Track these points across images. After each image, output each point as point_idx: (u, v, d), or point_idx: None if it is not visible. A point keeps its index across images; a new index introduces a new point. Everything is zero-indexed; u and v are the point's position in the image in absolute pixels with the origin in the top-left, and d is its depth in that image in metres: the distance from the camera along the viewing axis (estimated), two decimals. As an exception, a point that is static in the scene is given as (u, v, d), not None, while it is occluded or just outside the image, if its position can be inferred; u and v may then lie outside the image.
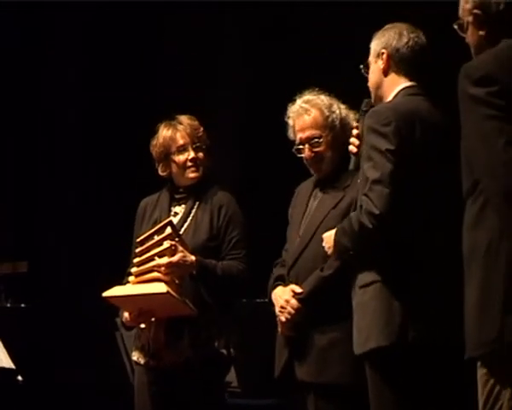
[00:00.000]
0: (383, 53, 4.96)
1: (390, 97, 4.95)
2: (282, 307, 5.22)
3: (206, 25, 12.04)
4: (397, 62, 4.95)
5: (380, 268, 4.78)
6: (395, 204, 4.63)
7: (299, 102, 5.40)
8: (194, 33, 11.09)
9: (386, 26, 5.02)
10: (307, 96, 5.40)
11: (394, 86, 4.96)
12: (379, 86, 5.01)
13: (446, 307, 4.64)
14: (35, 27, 11.26)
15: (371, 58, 5.03)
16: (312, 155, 5.35)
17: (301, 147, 5.36)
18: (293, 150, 5.41)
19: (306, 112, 5.36)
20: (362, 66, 5.06)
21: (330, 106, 5.35)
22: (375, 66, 5.00)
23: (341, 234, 4.83)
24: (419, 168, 4.75)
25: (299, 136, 5.37)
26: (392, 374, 4.73)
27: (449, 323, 4.60)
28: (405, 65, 4.95)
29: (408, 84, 4.95)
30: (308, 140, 5.35)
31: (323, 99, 5.38)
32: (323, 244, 4.95)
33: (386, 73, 4.98)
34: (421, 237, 4.75)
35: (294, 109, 5.40)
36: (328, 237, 4.90)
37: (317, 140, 5.33)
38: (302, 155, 5.38)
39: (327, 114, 5.33)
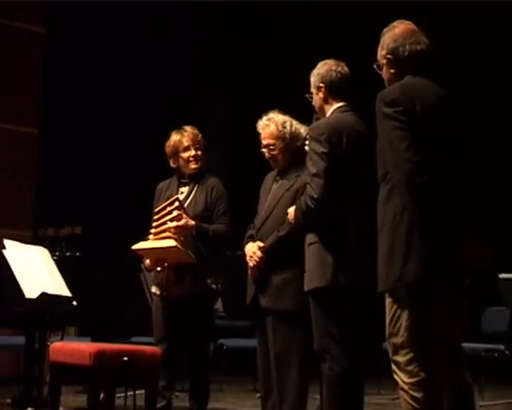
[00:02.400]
0: (322, 86, 4.94)
1: (328, 114, 4.94)
2: (250, 257, 5.21)
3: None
4: (331, 91, 4.93)
5: (318, 233, 4.79)
6: (327, 190, 4.67)
7: (264, 119, 5.39)
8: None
9: (319, 64, 4.98)
10: (269, 115, 5.38)
11: (331, 107, 4.94)
12: (321, 108, 4.99)
13: (365, 259, 4.56)
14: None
15: (313, 89, 4.99)
16: (270, 156, 5.36)
17: (263, 150, 5.35)
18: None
19: (267, 126, 5.34)
20: (307, 95, 5.03)
21: (284, 123, 5.33)
22: (317, 96, 4.97)
23: (296, 210, 4.85)
24: (346, 164, 4.75)
25: (262, 142, 5.36)
26: (327, 306, 4.74)
27: (367, 271, 4.55)
28: (336, 91, 4.93)
29: (340, 104, 4.93)
30: (267, 146, 5.34)
31: (280, 118, 5.35)
32: (288, 216, 4.94)
33: (324, 100, 4.96)
34: (347, 211, 4.75)
35: (260, 123, 5.39)
36: (291, 211, 4.90)
37: (272, 147, 5.32)
38: (266, 155, 5.38)
39: (280, 128, 5.31)
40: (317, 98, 4.99)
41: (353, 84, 4.95)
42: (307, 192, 4.74)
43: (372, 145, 4.20)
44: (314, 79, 4.98)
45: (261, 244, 5.20)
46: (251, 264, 5.21)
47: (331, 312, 4.73)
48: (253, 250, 5.21)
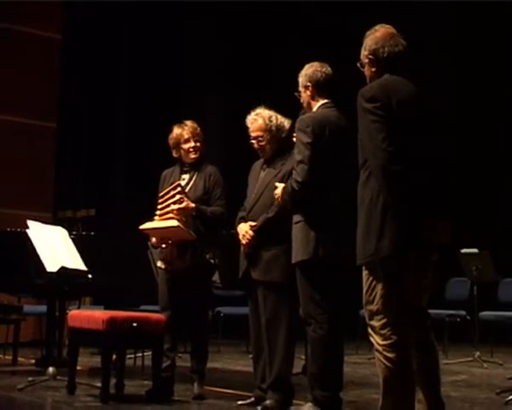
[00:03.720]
0: (309, 85, 4.92)
1: (314, 109, 4.92)
2: (243, 235, 5.17)
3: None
4: (317, 89, 4.91)
5: (303, 213, 4.78)
6: (311, 175, 4.66)
7: (252, 114, 5.35)
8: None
9: (306, 66, 4.95)
10: (257, 110, 5.35)
11: (317, 103, 4.92)
12: (308, 104, 4.96)
13: (344, 236, 4.56)
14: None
15: (301, 88, 4.96)
16: (258, 147, 5.32)
17: (253, 141, 5.32)
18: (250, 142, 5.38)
19: (255, 121, 5.31)
20: (295, 93, 5.01)
21: (270, 117, 5.30)
22: (305, 94, 4.95)
23: (284, 191, 4.84)
24: (328, 152, 4.73)
25: (251, 135, 5.32)
26: (311, 276, 4.74)
27: (345, 246, 4.53)
28: (322, 89, 4.91)
29: (324, 101, 4.91)
30: (255, 138, 5.31)
31: (266, 113, 5.33)
32: (275, 191, 4.93)
33: (311, 97, 4.94)
34: (329, 194, 4.73)
35: (249, 118, 5.35)
36: (279, 188, 4.89)
37: (260, 138, 5.29)
38: (255, 146, 5.35)
39: (267, 122, 5.28)
40: (304, 96, 4.97)
41: (336, 83, 4.92)
42: (293, 176, 4.76)
43: (352, 136, 4.21)
44: (302, 79, 4.96)
45: (252, 224, 5.16)
46: (243, 241, 5.18)
47: (314, 281, 4.73)
48: (245, 230, 5.18)
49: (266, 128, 5.27)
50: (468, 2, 10.51)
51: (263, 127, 5.28)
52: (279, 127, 5.29)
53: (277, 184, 4.98)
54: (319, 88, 4.90)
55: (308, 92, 4.94)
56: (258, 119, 5.30)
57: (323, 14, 11.71)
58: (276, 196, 4.92)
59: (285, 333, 5.06)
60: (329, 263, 4.69)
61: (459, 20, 11.06)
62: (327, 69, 4.93)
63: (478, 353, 8.25)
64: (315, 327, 4.72)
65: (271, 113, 5.33)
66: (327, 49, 9.96)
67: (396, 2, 10.58)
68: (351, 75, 4.34)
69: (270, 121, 5.29)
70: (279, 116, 5.33)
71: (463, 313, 8.90)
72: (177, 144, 5.81)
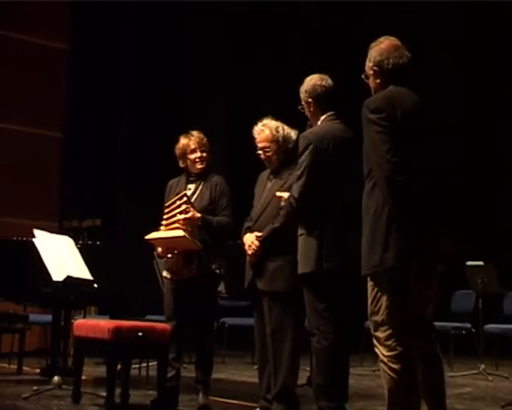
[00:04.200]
0: (310, 102, 4.94)
1: (319, 123, 4.94)
2: (249, 246, 5.18)
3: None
4: (318, 103, 4.93)
5: (305, 226, 4.80)
6: (307, 192, 4.74)
7: (259, 124, 5.37)
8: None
9: (306, 80, 4.97)
10: (264, 121, 5.37)
11: (320, 117, 4.95)
12: (313, 118, 4.99)
13: (348, 248, 4.61)
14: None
15: (304, 103, 4.98)
16: (265, 157, 5.34)
17: (259, 152, 5.34)
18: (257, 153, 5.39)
19: (262, 131, 5.33)
20: (299, 107, 5.02)
21: (277, 128, 5.32)
22: (308, 109, 4.97)
23: (285, 205, 4.91)
24: (331, 167, 4.75)
25: (258, 145, 5.34)
26: (314, 287, 4.75)
27: (349, 258, 4.57)
28: (323, 103, 4.93)
29: (328, 113, 4.93)
30: (262, 148, 5.33)
31: (273, 123, 5.34)
32: (281, 198, 5.01)
33: (314, 112, 4.96)
34: (332, 207, 4.75)
35: (256, 129, 5.37)
36: (284, 197, 4.97)
37: (267, 149, 5.31)
38: (262, 157, 5.36)
39: (274, 133, 5.29)
40: (308, 111, 5.00)
41: (337, 94, 4.95)
42: (291, 192, 4.86)
43: (357, 147, 4.23)
44: (303, 95, 4.98)
45: (258, 234, 5.18)
46: (249, 252, 5.19)
47: (318, 293, 4.74)
48: (251, 240, 5.19)
49: (273, 139, 5.29)
50: (468, 2, 10.53)
51: (270, 138, 5.30)
52: (286, 138, 5.31)
53: (282, 194, 5.01)
54: (320, 102, 4.93)
55: (311, 108, 4.97)
56: (265, 129, 5.32)
57: (323, 15, 11.72)
58: (282, 204, 4.95)
59: (290, 344, 5.07)
60: (332, 275, 4.70)
61: (459, 20, 11.07)
62: (326, 82, 4.95)
63: (483, 366, 8.23)
64: (319, 338, 4.73)
65: (278, 123, 5.35)
66: (327, 49, 9.98)
67: (396, 3, 10.59)
68: (352, 80, 4.36)
69: (277, 132, 5.30)
70: (286, 127, 5.35)
71: (469, 325, 8.89)
72: (184, 154, 5.82)
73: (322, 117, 4.94)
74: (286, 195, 4.99)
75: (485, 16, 10.95)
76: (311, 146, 4.76)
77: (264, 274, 5.15)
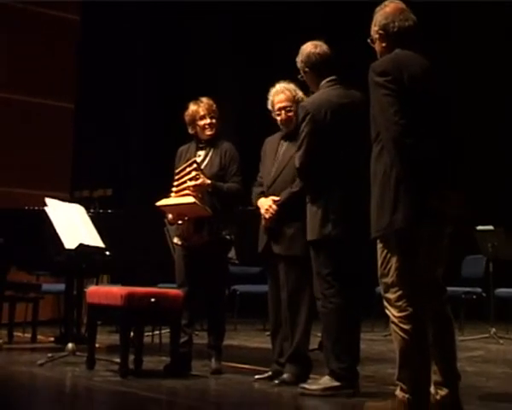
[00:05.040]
0: (307, 70, 4.96)
1: (319, 88, 4.95)
2: (266, 210, 5.18)
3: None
4: (315, 71, 4.94)
5: (310, 194, 4.84)
6: (307, 161, 4.78)
7: (277, 86, 5.36)
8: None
9: (301, 49, 4.98)
10: (282, 83, 5.35)
11: (320, 82, 4.95)
12: (312, 85, 5.01)
13: (353, 215, 4.66)
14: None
15: (301, 71, 5.00)
16: (285, 117, 5.30)
17: (279, 112, 5.31)
18: (273, 115, 5.36)
19: (283, 92, 5.31)
20: (299, 76, 5.03)
21: (295, 90, 5.31)
22: (306, 78, 4.99)
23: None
24: (331, 134, 4.77)
25: (278, 106, 5.30)
26: (319, 254, 4.80)
27: (355, 223, 4.63)
28: (320, 70, 4.93)
29: (327, 79, 4.94)
30: (284, 108, 5.29)
31: (291, 85, 5.33)
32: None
33: (312, 79, 4.97)
34: (335, 173, 4.77)
35: (274, 90, 5.36)
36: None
37: (289, 108, 5.28)
38: (279, 118, 5.32)
39: (294, 94, 5.29)
40: (306, 79, 5.02)
41: (335, 59, 4.95)
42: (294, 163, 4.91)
43: (360, 111, 4.30)
44: (299, 65, 5.00)
45: (276, 198, 5.18)
46: (267, 216, 5.18)
47: (323, 258, 4.77)
48: (268, 204, 5.18)
49: (294, 99, 5.28)
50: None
51: (290, 98, 5.29)
52: (301, 100, 5.30)
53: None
54: (317, 69, 4.94)
55: (308, 76, 4.99)
56: (285, 90, 5.32)
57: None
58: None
59: (306, 308, 5.11)
60: (338, 241, 4.73)
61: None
62: (321, 48, 4.96)
63: (494, 329, 8.26)
64: (324, 302, 4.77)
65: (295, 86, 5.33)
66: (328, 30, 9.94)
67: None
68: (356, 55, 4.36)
69: (296, 93, 5.31)
70: (300, 92, 5.34)
71: (479, 290, 8.91)
72: (193, 121, 5.83)
73: (322, 83, 4.95)
74: None
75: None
76: (309, 116, 4.79)
77: (281, 239, 5.17)
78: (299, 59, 4.98)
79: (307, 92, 5.14)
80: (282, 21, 11.78)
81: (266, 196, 5.26)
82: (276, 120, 5.38)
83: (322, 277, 4.76)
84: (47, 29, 10.11)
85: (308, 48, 4.96)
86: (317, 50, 4.94)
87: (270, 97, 5.36)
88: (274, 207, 5.17)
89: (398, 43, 4.02)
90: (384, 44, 4.07)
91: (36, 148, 9.83)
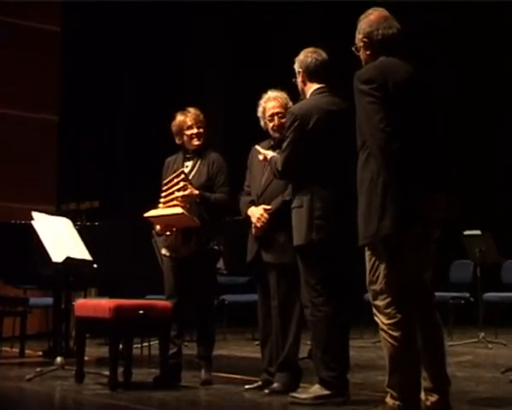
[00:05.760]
0: (300, 71, 4.97)
1: (308, 95, 4.96)
2: (258, 218, 5.17)
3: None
4: (308, 75, 4.94)
5: (295, 200, 4.85)
6: (289, 166, 4.81)
7: (269, 92, 5.36)
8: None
9: (301, 52, 4.99)
10: (273, 90, 5.36)
11: (310, 89, 4.96)
12: (302, 90, 5.02)
13: (338, 221, 4.69)
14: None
15: (296, 73, 5.00)
16: (278, 123, 5.28)
17: (271, 118, 5.30)
18: (265, 121, 5.34)
19: (275, 98, 5.31)
20: (294, 80, 5.04)
21: (287, 98, 5.33)
22: (298, 80, 4.99)
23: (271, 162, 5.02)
24: (317, 141, 4.77)
25: (271, 111, 5.29)
26: (306, 260, 4.80)
27: (341, 230, 4.64)
28: (313, 75, 4.94)
29: (317, 86, 4.95)
30: (277, 114, 5.27)
31: (282, 93, 5.35)
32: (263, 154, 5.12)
33: (304, 83, 4.98)
34: (322, 179, 4.77)
35: (267, 96, 5.36)
36: (270, 155, 5.08)
37: (282, 115, 5.27)
38: (271, 124, 5.30)
39: (286, 102, 5.31)
40: (298, 82, 5.02)
41: (330, 68, 4.96)
42: (276, 164, 4.90)
43: (346, 120, 4.30)
44: (295, 65, 5.01)
45: (267, 207, 5.19)
46: (258, 225, 5.18)
47: (310, 265, 4.78)
48: (260, 213, 5.18)
49: (286, 106, 5.29)
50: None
51: (283, 104, 5.30)
52: None
53: (269, 152, 5.10)
54: (310, 73, 4.94)
55: (300, 78, 5.00)
56: (278, 97, 5.33)
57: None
58: (262, 158, 5.06)
59: (297, 317, 5.10)
60: (324, 246, 4.72)
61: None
62: (319, 54, 4.97)
63: (482, 334, 8.29)
64: (312, 311, 4.77)
65: (286, 94, 5.36)
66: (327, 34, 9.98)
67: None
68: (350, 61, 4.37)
69: (288, 101, 5.32)
70: (290, 100, 5.36)
71: (467, 295, 8.95)
72: (180, 131, 5.84)
73: (311, 89, 4.96)
74: (269, 153, 5.05)
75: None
76: (296, 122, 4.80)
77: (272, 247, 5.17)
78: (296, 59, 5.00)
79: (296, 101, 5.14)
80: (271, 30, 11.81)
81: (256, 205, 5.27)
82: (263, 128, 5.39)
83: (311, 285, 4.76)
84: (29, 41, 10.09)
85: (307, 51, 4.98)
86: (315, 55, 4.95)
87: (262, 104, 5.36)
88: (265, 215, 5.18)
89: (382, 50, 4.04)
90: (368, 52, 4.10)
91: (21, 161, 9.80)
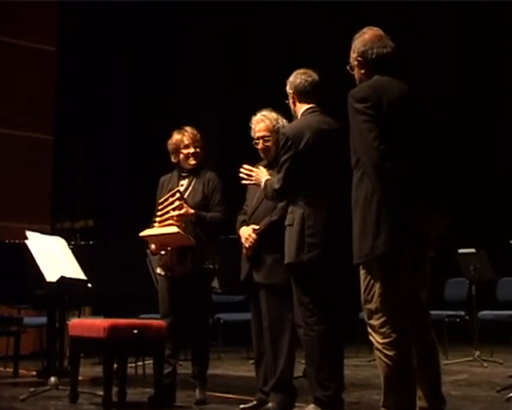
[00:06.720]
0: (291, 92, 4.98)
1: (299, 116, 4.98)
2: (246, 239, 5.20)
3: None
4: (298, 96, 4.95)
5: (289, 217, 4.83)
6: (286, 187, 4.79)
7: (259, 115, 5.39)
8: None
9: (292, 74, 5.00)
10: (264, 112, 5.38)
11: (301, 109, 4.97)
12: (294, 111, 5.03)
13: (330, 240, 4.67)
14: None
15: (288, 95, 5.02)
16: (263, 147, 5.33)
17: (257, 141, 5.34)
18: (253, 143, 5.38)
19: (262, 121, 5.34)
20: (287, 101, 5.05)
21: (276, 119, 5.34)
22: (289, 101, 5.01)
23: (266, 184, 4.99)
24: (310, 160, 4.77)
25: (257, 135, 5.34)
26: (298, 279, 4.78)
27: (335, 249, 4.63)
28: (303, 96, 4.95)
29: (307, 106, 4.95)
30: (262, 137, 5.32)
31: (273, 115, 5.37)
32: (256, 173, 5.09)
33: (294, 104, 5.00)
34: (314, 197, 4.77)
35: (256, 118, 5.39)
36: (263, 174, 5.06)
37: (267, 138, 5.31)
38: (258, 147, 5.35)
39: (274, 123, 5.32)
40: (289, 103, 5.04)
41: (321, 88, 4.96)
42: (273, 183, 4.89)
43: (338, 139, 4.34)
44: (287, 87, 5.03)
45: (256, 227, 5.19)
46: (246, 245, 5.20)
47: (302, 285, 4.76)
48: (248, 233, 5.20)
49: (273, 129, 5.30)
50: (468, 2, 10.56)
51: (270, 128, 5.32)
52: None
53: (262, 169, 5.11)
54: (300, 94, 4.96)
55: (291, 99, 5.02)
56: (266, 119, 5.34)
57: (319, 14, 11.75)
58: (254, 178, 5.04)
59: (288, 336, 5.08)
60: (315, 264, 4.71)
61: (459, 21, 11.11)
62: (310, 75, 4.98)
63: (478, 352, 8.29)
64: (306, 330, 4.75)
65: (277, 115, 5.38)
66: (317, 50, 10.00)
67: (395, 3, 10.61)
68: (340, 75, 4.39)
69: (277, 123, 5.33)
70: (283, 120, 5.36)
71: (462, 313, 8.94)
72: (177, 150, 5.85)
73: (302, 110, 4.98)
74: (263, 175, 5.04)
75: (486, 16, 11.00)
76: (289, 143, 4.81)
77: (261, 267, 5.17)
78: (288, 80, 5.01)
79: (291, 120, 5.16)
80: (266, 49, 11.85)
81: (248, 224, 5.28)
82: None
83: (304, 304, 4.74)
84: (24, 61, 10.11)
85: (298, 72, 4.99)
86: (305, 76, 4.96)
87: (252, 125, 5.39)
88: (253, 235, 5.18)
89: (376, 69, 4.05)
90: (363, 71, 4.11)
91: (15, 180, 9.80)
